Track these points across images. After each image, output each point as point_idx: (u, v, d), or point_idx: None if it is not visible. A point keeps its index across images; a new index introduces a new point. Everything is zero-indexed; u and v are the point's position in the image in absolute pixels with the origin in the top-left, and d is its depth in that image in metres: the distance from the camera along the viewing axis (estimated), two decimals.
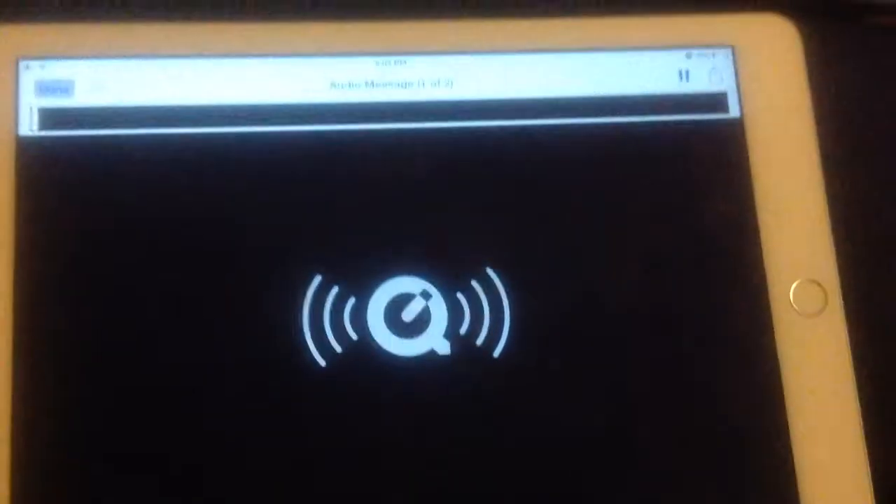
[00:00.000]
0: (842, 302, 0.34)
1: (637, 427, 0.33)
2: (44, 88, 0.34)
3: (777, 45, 0.37)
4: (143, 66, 0.34)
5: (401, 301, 0.33)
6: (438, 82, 0.35)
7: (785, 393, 0.33)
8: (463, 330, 0.33)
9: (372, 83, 0.35)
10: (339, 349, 0.33)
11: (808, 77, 0.36)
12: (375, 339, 0.33)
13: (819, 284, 0.34)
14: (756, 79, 0.36)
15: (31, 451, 0.31)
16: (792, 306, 0.34)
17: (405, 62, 0.35)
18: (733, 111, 0.36)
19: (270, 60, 0.35)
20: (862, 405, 0.33)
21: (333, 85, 0.35)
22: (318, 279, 0.33)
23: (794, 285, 0.34)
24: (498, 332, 0.33)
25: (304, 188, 0.34)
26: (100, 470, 0.31)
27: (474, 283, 0.33)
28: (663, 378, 0.33)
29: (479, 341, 0.33)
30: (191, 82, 0.34)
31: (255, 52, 0.35)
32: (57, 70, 0.34)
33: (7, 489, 0.31)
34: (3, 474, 0.31)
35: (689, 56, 0.36)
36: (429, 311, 0.33)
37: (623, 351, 0.34)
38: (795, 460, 0.33)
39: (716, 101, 0.36)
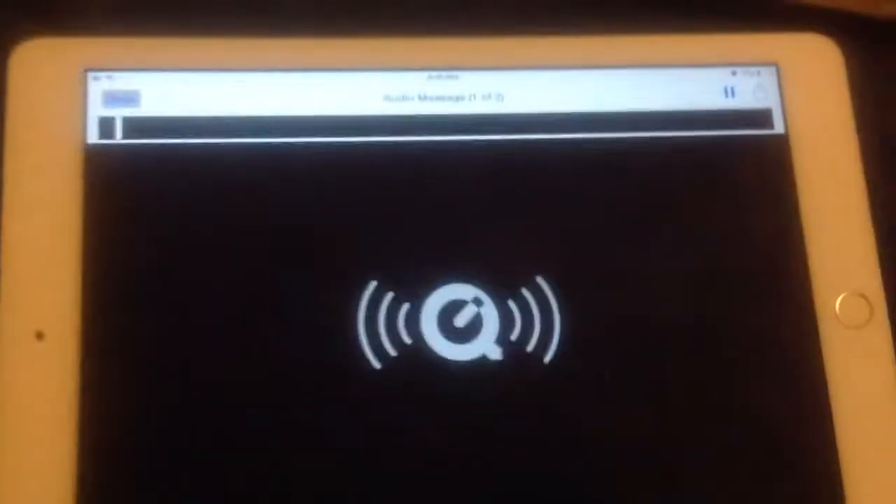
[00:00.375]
0: (887, 314, 0.35)
1: (683, 439, 0.33)
2: (111, 99, 0.34)
3: (820, 64, 0.37)
4: (207, 79, 0.35)
5: (453, 307, 0.34)
6: (489, 96, 0.36)
7: (832, 405, 0.33)
8: (514, 336, 0.34)
9: (424, 97, 0.36)
10: (393, 352, 0.33)
11: (850, 94, 0.37)
12: (428, 343, 0.33)
13: (864, 297, 0.35)
14: (800, 96, 0.37)
15: (98, 451, 0.31)
16: (838, 319, 0.34)
17: (457, 77, 0.36)
18: (778, 127, 0.36)
19: (327, 74, 0.35)
20: None
21: (387, 98, 0.36)
22: (373, 285, 0.34)
23: (839, 298, 0.35)
24: (548, 339, 0.34)
25: (360, 197, 0.34)
26: (161, 472, 0.32)
27: (525, 292, 0.34)
28: (709, 389, 0.34)
29: (530, 348, 0.34)
30: (251, 95, 0.35)
31: (313, 67, 0.35)
32: (124, 81, 0.35)
33: (72, 483, 0.31)
34: (68, 470, 0.31)
35: (734, 73, 0.37)
36: (481, 318, 0.34)
37: (669, 362, 0.34)
38: (843, 473, 0.33)
39: (761, 118, 0.36)
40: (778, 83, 0.37)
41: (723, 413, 0.33)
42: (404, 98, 0.36)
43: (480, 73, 0.36)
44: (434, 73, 0.36)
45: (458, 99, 0.36)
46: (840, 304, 0.35)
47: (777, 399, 0.34)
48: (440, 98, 0.36)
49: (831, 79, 0.37)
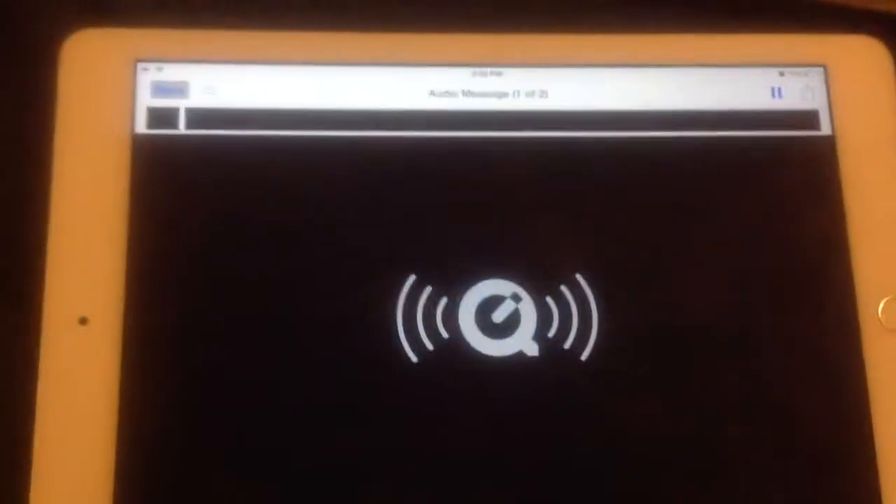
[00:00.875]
0: None
1: (720, 440, 0.33)
2: (160, 90, 0.35)
3: (868, 66, 0.37)
4: (253, 71, 0.35)
5: (491, 303, 0.34)
6: (533, 93, 0.36)
7: (872, 410, 0.33)
8: (551, 333, 0.34)
9: (469, 92, 0.36)
10: (430, 346, 0.33)
11: None
12: (466, 338, 0.34)
13: None
14: (847, 97, 0.36)
15: (139, 437, 0.32)
16: (881, 323, 0.34)
17: (501, 73, 0.36)
18: (825, 129, 0.36)
19: (373, 69, 0.36)
20: None
21: (432, 93, 0.36)
22: (412, 279, 0.34)
23: (883, 302, 0.34)
24: (585, 337, 0.34)
25: (402, 192, 0.35)
26: (200, 458, 0.32)
27: (563, 289, 0.34)
28: (748, 391, 0.33)
29: (567, 345, 0.34)
30: (297, 87, 0.35)
31: (359, 61, 0.36)
32: (173, 72, 0.35)
33: (112, 468, 0.32)
34: (108, 455, 0.32)
35: (781, 74, 0.37)
36: (518, 314, 0.34)
37: (709, 363, 0.34)
38: (881, 478, 0.33)
39: (808, 119, 0.36)
40: (825, 84, 0.37)
41: (761, 414, 0.33)
42: (449, 94, 0.36)
43: (525, 69, 0.36)
44: (479, 70, 0.36)
45: (502, 95, 0.36)
46: (883, 309, 0.34)
47: (816, 402, 0.33)
48: (484, 94, 0.36)
49: (879, 80, 0.37)
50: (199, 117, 0.35)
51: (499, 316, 0.34)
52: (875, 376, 0.34)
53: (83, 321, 0.33)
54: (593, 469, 0.33)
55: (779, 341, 0.34)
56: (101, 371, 0.32)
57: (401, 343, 0.33)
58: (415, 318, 0.33)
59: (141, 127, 0.35)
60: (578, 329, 0.34)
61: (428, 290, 0.34)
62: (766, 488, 0.33)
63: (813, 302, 0.34)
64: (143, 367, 0.32)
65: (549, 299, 0.34)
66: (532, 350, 0.34)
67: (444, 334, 0.33)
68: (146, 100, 0.35)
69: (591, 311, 0.34)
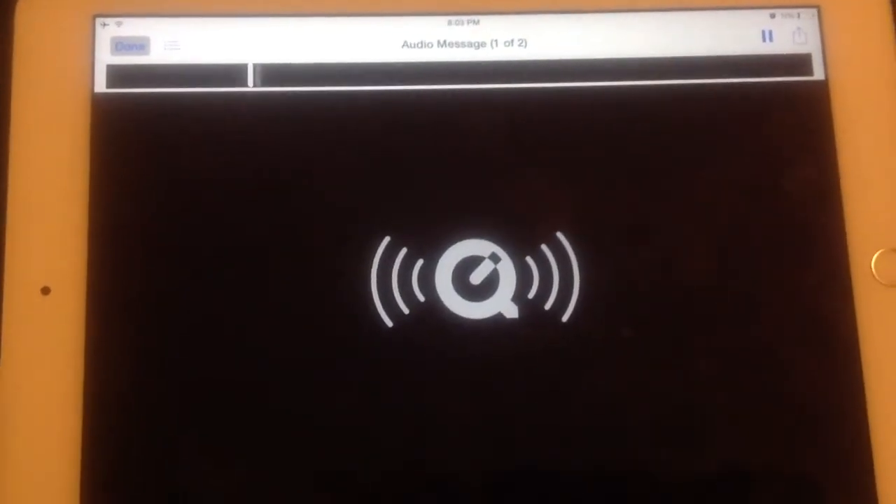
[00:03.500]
0: None
1: (707, 397, 0.33)
2: (119, 46, 0.34)
3: (864, 6, 0.35)
4: (218, 25, 0.34)
5: (469, 264, 0.33)
6: (512, 42, 0.35)
7: (863, 364, 0.33)
8: (531, 294, 0.33)
9: (444, 42, 0.35)
10: (406, 310, 0.33)
11: (895, 40, 0.35)
12: (443, 300, 0.33)
13: None
14: (842, 40, 0.35)
15: (104, 406, 0.32)
16: (873, 276, 0.33)
17: (478, 21, 0.35)
18: (818, 73, 0.35)
19: (343, 20, 0.35)
20: None
21: (406, 44, 0.35)
22: (386, 240, 0.33)
23: (876, 255, 0.34)
24: (567, 298, 0.33)
25: (374, 149, 0.34)
26: (167, 426, 0.32)
27: (544, 248, 0.33)
28: (739, 349, 0.33)
29: (548, 306, 0.33)
30: (262, 42, 0.34)
31: (329, 12, 0.35)
32: (133, 27, 0.34)
33: (78, 437, 0.32)
34: (74, 425, 0.32)
35: (772, 16, 0.35)
36: (497, 275, 0.33)
37: (696, 322, 0.33)
38: (872, 432, 0.32)
39: (800, 63, 0.35)
40: (819, 27, 0.35)
41: (752, 372, 0.33)
42: (423, 44, 0.35)
43: (503, 17, 0.35)
44: (454, 18, 0.35)
45: (480, 45, 0.35)
46: (876, 261, 0.34)
47: (808, 357, 0.33)
48: (461, 44, 0.35)
49: (875, 22, 0.35)
50: (162, 75, 0.34)
51: (477, 277, 0.33)
52: (868, 330, 0.33)
53: (45, 291, 0.32)
54: (575, 433, 0.32)
55: (769, 297, 0.33)
56: (64, 341, 0.32)
57: (375, 307, 0.33)
58: (389, 281, 0.33)
59: (101, 86, 0.34)
60: (560, 290, 0.33)
61: (403, 251, 0.33)
62: (756, 445, 0.32)
63: (804, 256, 0.34)
64: (108, 336, 0.32)
65: (529, 259, 0.33)
66: (511, 312, 0.33)
67: (420, 297, 0.33)
68: (106, 57, 0.34)
69: (572, 270, 0.33)
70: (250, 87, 0.34)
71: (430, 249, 0.33)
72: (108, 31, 0.34)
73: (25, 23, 0.34)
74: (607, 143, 0.34)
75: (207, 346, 0.32)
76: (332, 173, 0.34)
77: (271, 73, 0.34)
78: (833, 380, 0.33)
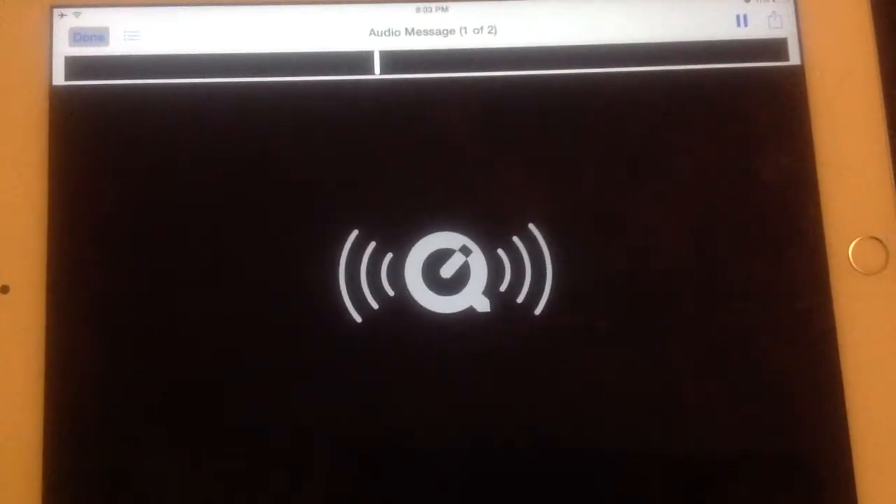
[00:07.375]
0: None
1: (683, 389, 0.32)
2: (78, 37, 0.33)
3: None
4: (179, 15, 0.34)
5: (439, 257, 0.33)
6: (481, 29, 0.34)
7: (840, 353, 0.32)
8: (503, 287, 0.33)
9: (412, 31, 0.34)
10: (375, 305, 0.32)
11: (872, 24, 0.35)
12: (413, 295, 0.32)
13: (880, 241, 0.33)
14: (818, 25, 0.35)
15: (65, 404, 0.31)
16: (851, 264, 0.33)
17: (446, 8, 0.34)
18: (793, 59, 0.35)
19: (309, 8, 0.34)
20: None
21: (373, 33, 0.34)
22: (354, 234, 0.33)
23: (853, 243, 0.33)
24: (539, 291, 0.33)
25: (342, 141, 0.33)
26: (129, 423, 0.31)
27: (516, 240, 0.33)
28: (715, 338, 0.33)
29: (520, 299, 0.33)
30: (226, 31, 0.34)
31: (292, 1, 0.34)
32: (91, 18, 0.34)
33: (40, 435, 0.31)
34: (35, 423, 0.31)
35: (747, 0, 0.35)
36: (468, 268, 0.33)
37: (671, 310, 0.33)
38: (849, 418, 0.32)
39: (775, 48, 0.35)
40: (795, 10, 0.35)
41: (729, 360, 0.32)
42: (391, 32, 0.34)
43: (472, 4, 0.34)
44: (423, 5, 0.34)
45: (448, 33, 0.34)
46: (853, 250, 0.33)
47: (785, 346, 0.33)
48: (429, 32, 0.34)
49: (852, 7, 0.35)
50: (122, 66, 0.33)
51: (447, 270, 0.33)
52: (845, 318, 0.33)
53: (4, 290, 0.32)
54: (550, 428, 0.32)
55: (745, 285, 0.33)
56: (24, 341, 0.32)
57: (343, 303, 0.32)
58: (358, 275, 0.32)
59: (59, 78, 0.33)
60: (532, 282, 0.33)
61: (372, 245, 0.33)
62: (733, 434, 0.32)
63: (781, 243, 0.33)
64: (68, 335, 0.32)
65: (500, 252, 0.33)
66: (483, 305, 0.33)
67: (390, 292, 0.32)
68: (64, 49, 0.33)
69: (545, 263, 0.33)
70: (211, 78, 0.33)
71: (399, 243, 0.33)
72: (66, 22, 0.33)
73: None
74: (579, 132, 0.34)
75: (171, 344, 0.32)
76: (299, 167, 0.33)
77: (231, 64, 0.33)
78: (811, 368, 0.32)
